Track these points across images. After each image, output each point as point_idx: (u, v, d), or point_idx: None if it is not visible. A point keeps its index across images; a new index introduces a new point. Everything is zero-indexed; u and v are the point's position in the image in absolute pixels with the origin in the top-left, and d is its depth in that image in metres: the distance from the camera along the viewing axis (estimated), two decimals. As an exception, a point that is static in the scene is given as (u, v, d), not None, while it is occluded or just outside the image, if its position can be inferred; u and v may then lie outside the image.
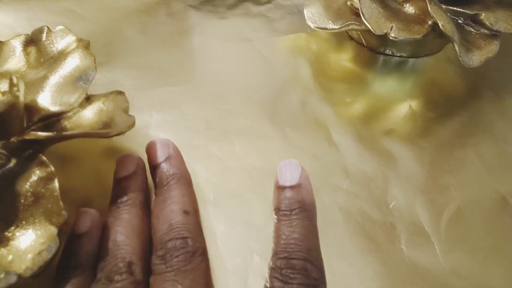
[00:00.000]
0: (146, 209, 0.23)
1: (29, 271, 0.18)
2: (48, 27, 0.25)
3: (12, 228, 0.19)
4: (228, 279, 0.22)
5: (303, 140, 0.27)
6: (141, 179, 0.23)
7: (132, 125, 0.22)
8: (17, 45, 0.25)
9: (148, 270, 0.20)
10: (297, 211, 0.21)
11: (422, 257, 0.23)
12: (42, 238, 0.19)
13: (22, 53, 0.25)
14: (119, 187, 0.22)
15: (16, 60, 0.25)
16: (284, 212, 0.21)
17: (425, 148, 0.27)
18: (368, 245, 0.23)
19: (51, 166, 0.20)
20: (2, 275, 0.17)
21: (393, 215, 0.24)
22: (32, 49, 0.25)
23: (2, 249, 0.18)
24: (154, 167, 0.23)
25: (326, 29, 0.28)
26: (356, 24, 0.27)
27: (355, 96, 0.29)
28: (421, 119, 0.28)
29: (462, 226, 0.24)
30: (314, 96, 0.29)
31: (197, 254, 0.20)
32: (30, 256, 0.18)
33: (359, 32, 0.31)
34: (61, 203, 0.19)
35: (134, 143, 0.26)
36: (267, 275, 0.20)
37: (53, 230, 0.19)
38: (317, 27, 0.29)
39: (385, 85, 0.30)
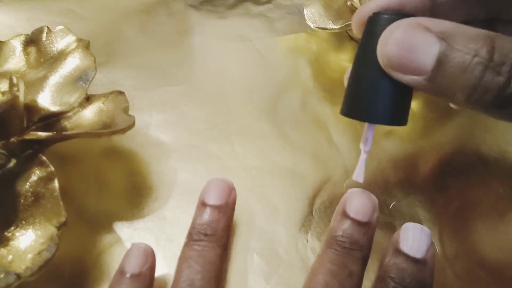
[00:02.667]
0: (227, 252, 0.21)
1: (29, 271, 0.18)
2: (48, 27, 0.25)
3: (12, 228, 0.19)
4: (228, 279, 0.22)
5: (303, 140, 0.27)
6: (231, 213, 0.21)
7: (132, 125, 0.22)
8: (17, 45, 0.25)
9: None
10: None
11: (422, 257, 0.23)
12: (42, 238, 0.19)
13: (22, 53, 0.25)
14: (207, 215, 0.20)
15: (16, 60, 0.25)
16: (397, 286, 0.18)
17: (425, 148, 0.27)
18: (368, 245, 0.23)
19: (51, 166, 0.20)
20: (2, 275, 0.17)
21: (393, 215, 0.24)
22: (32, 49, 0.25)
23: (2, 249, 0.18)
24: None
25: (326, 29, 0.28)
26: (356, 24, 0.27)
27: (355, 96, 0.29)
28: (421, 119, 0.28)
29: (462, 225, 0.24)
30: (314, 96, 0.29)
31: None
32: (30, 256, 0.18)
33: (359, 32, 0.31)
34: (61, 203, 0.19)
35: (134, 143, 0.26)
36: None
37: (53, 230, 0.19)
38: (317, 27, 0.29)
39: (385, 85, 0.30)
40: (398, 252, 0.19)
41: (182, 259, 0.20)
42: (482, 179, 0.26)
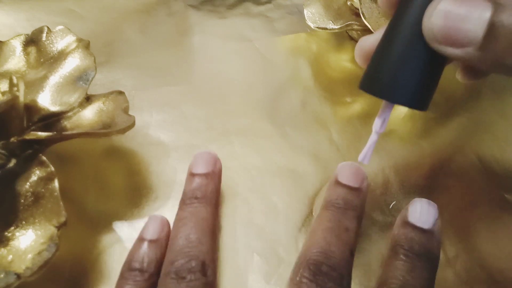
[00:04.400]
0: (218, 210, 0.23)
1: (29, 271, 0.18)
2: (48, 27, 0.25)
3: (12, 228, 0.19)
4: (228, 279, 0.22)
5: (303, 140, 0.27)
6: (218, 180, 0.23)
7: (132, 125, 0.22)
8: (17, 45, 0.25)
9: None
10: (423, 258, 0.19)
11: (422, 257, 0.23)
12: (42, 238, 0.19)
13: (22, 53, 0.25)
14: (196, 182, 0.22)
15: (16, 60, 0.25)
16: (407, 253, 0.19)
17: (425, 148, 0.27)
18: (368, 245, 0.23)
19: (51, 166, 0.20)
20: (2, 275, 0.17)
21: (393, 215, 0.24)
22: (32, 49, 0.25)
23: (2, 249, 0.19)
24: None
25: (326, 29, 0.28)
26: (356, 24, 0.27)
27: (355, 96, 0.29)
28: (421, 119, 0.28)
29: (462, 226, 0.24)
30: (314, 96, 0.29)
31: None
32: (30, 256, 0.18)
33: (359, 32, 0.31)
34: (61, 203, 0.19)
35: (134, 143, 0.26)
36: None
37: (53, 230, 0.19)
38: (317, 27, 0.29)
39: (385, 85, 0.30)
40: (406, 223, 0.20)
41: (177, 221, 0.21)
42: (482, 179, 0.26)
